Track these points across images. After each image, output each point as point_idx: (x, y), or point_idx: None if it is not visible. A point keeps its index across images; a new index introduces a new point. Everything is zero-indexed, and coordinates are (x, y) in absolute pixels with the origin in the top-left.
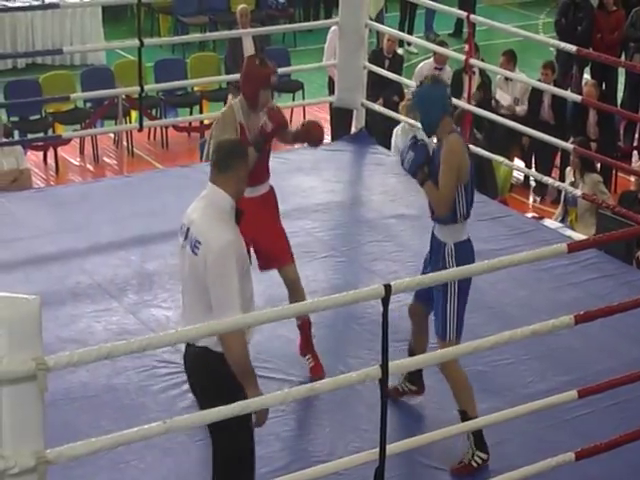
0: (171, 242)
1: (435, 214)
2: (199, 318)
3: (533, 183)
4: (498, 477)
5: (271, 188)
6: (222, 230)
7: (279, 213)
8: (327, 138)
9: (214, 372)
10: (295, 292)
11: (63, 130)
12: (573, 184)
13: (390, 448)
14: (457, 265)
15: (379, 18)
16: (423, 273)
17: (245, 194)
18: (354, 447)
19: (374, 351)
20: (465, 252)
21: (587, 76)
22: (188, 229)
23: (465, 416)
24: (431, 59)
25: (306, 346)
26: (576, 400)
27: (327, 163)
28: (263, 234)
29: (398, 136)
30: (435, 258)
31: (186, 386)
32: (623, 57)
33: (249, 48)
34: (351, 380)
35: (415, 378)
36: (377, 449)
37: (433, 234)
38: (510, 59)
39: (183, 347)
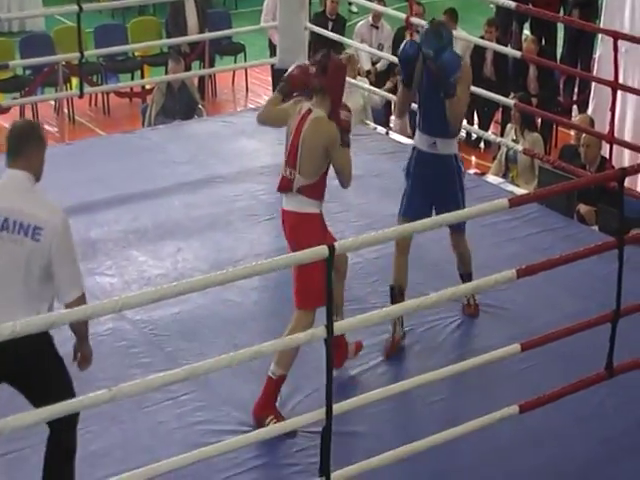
0: (114, 209)
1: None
2: (22, 309)
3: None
4: (444, 432)
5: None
6: (53, 208)
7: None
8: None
9: (41, 349)
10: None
11: (2, 98)
12: (514, 141)
13: (336, 408)
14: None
15: None
16: (431, 196)
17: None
18: (301, 408)
19: (319, 312)
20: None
21: (527, 32)
22: (6, 218)
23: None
24: (368, 18)
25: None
26: (519, 353)
27: None
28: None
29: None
30: (443, 172)
31: (132, 351)
32: (562, 12)
33: (191, 11)
34: (297, 340)
35: None
36: (324, 409)
37: (428, 154)
38: (452, 18)
39: (130, 313)
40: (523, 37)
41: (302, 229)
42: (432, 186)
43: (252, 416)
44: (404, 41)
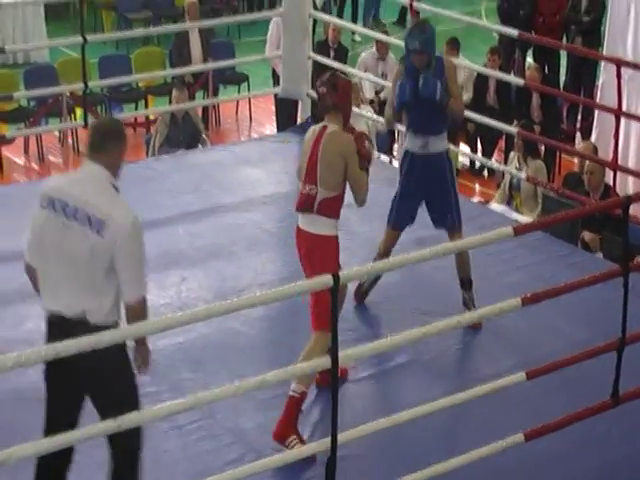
0: None
1: (458, 123)
2: (87, 299)
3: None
4: (448, 461)
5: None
6: (125, 207)
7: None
8: (273, 129)
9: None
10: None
11: (7, 129)
12: (517, 169)
13: (341, 437)
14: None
15: (325, 8)
16: (422, 196)
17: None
18: (306, 437)
19: None
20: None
21: (530, 60)
22: (76, 207)
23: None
24: (373, 49)
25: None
26: (525, 382)
27: (274, 155)
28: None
29: None
30: (435, 171)
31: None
32: (565, 40)
33: (195, 41)
34: (302, 370)
35: None
36: (329, 438)
37: (422, 155)
38: (453, 47)
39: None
40: (526, 65)
41: (318, 252)
42: (424, 186)
43: (273, 437)
44: (399, 84)
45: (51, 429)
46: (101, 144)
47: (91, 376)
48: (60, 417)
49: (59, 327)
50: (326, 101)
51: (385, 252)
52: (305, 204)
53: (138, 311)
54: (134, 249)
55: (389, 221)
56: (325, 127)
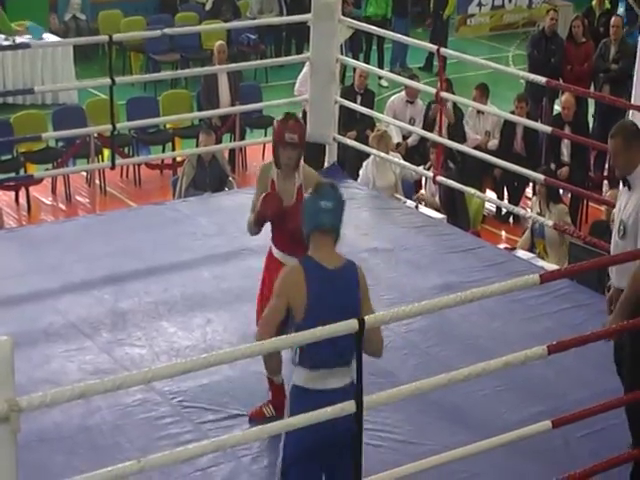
0: (144, 280)
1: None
2: None
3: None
4: None
5: None
6: None
7: None
8: None
9: None
10: None
11: (35, 170)
12: (539, 214)
13: None
14: (289, 411)
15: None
16: None
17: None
18: None
19: None
20: (297, 403)
21: (557, 107)
22: None
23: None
24: (402, 92)
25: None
26: (550, 430)
27: None
28: None
29: (368, 167)
30: None
31: (161, 422)
32: (592, 88)
33: (224, 84)
34: (326, 415)
35: None
36: None
37: None
38: (483, 93)
39: (159, 384)
40: (554, 112)
41: None
42: None
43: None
44: None
45: None
46: None
47: None
48: None
49: None
50: None
51: None
52: None
53: None
54: None
55: None
56: None
